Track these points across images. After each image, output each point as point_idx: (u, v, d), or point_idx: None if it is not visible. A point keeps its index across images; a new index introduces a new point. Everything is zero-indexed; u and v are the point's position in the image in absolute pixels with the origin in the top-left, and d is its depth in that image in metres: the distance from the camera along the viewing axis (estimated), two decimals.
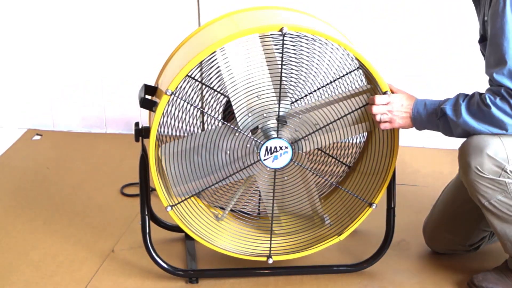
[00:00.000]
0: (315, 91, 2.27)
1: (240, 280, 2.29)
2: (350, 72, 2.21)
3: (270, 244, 2.25)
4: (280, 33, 1.98)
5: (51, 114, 3.53)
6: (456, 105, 2.03)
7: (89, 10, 3.34)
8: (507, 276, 2.20)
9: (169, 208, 2.18)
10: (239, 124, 2.12)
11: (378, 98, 2.09)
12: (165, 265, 2.27)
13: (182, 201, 2.21)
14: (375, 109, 2.09)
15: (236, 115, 2.11)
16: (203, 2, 3.23)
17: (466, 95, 2.04)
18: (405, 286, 2.28)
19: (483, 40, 2.14)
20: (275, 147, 2.13)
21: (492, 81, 2.02)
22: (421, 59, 3.19)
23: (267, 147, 2.12)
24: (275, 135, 2.12)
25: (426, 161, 3.15)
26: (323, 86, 2.26)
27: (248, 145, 2.14)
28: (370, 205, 2.22)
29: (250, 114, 2.11)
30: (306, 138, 2.16)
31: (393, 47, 3.20)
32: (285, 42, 2.02)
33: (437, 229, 2.39)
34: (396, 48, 3.20)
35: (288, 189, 2.23)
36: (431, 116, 2.07)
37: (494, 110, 1.97)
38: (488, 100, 1.98)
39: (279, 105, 2.10)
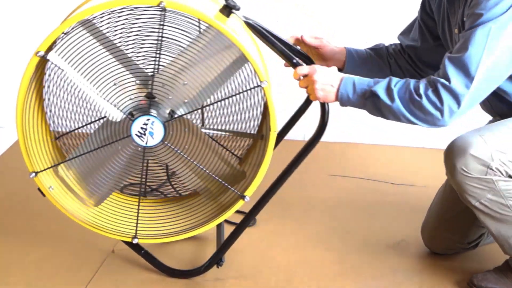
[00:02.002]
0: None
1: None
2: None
3: (137, 224, 2.16)
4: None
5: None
6: (388, 89, 1.98)
7: None
8: (507, 276, 2.20)
9: (33, 174, 2.12)
10: (99, 124, 2.05)
11: (299, 69, 2.03)
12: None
13: (46, 169, 2.14)
14: (300, 84, 2.05)
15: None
16: None
17: (399, 80, 2.00)
18: (405, 286, 2.28)
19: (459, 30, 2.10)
20: (142, 127, 2.01)
21: (439, 67, 1.99)
22: None
23: (137, 133, 2.02)
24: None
25: (426, 161, 3.15)
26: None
27: (124, 141, 2.05)
28: (242, 197, 2.09)
29: (106, 108, 2.01)
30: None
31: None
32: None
33: (435, 229, 2.39)
34: None
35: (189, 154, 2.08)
36: (359, 97, 2.02)
37: (424, 101, 1.94)
38: (422, 90, 1.95)
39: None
